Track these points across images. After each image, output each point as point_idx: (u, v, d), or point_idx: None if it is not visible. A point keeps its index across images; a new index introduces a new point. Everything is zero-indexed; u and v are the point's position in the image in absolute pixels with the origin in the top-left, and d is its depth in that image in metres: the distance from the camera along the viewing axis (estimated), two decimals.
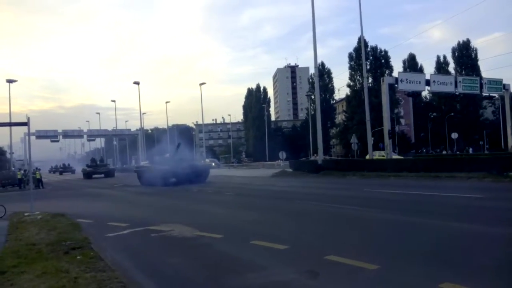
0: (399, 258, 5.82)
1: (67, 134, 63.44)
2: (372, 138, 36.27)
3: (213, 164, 55.40)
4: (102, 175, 46.91)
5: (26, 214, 13.09)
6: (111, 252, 7.13)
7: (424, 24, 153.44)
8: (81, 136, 69.18)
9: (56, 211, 13.62)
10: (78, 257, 6.61)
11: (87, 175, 47.22)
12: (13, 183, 35.76)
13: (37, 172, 34.33)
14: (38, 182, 33.19)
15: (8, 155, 62.23)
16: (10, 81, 46.00)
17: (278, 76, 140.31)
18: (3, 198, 20.07)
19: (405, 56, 69.37)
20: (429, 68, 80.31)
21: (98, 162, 51.70)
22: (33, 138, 53.72)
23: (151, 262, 6.56)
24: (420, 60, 69.27)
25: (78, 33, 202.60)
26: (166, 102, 75.89)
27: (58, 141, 65.27)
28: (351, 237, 7.66)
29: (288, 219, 10.41)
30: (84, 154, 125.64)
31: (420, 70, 62.56)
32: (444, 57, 66.26)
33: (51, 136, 60.18)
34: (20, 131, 56.87)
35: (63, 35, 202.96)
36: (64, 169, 78.76)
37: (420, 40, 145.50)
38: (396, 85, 31.27)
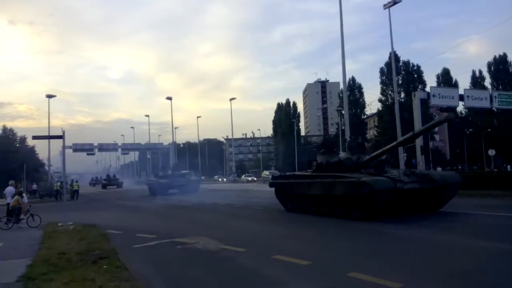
0: (423, 276, 5.66)
1: (102, 148, 65.49)
2: (405, 154, 35.53)
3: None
4: (176, 190, 30.81)
5: (59, 224, 13.62)
6: (137, 263, 7.31)
7: (459, 38, 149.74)
8: (115, 150, 71.31)
9: (88, 222, 14.11)
10: (105, 266, 6.82)
11: (160, 189, 30.69)
12: (50, 194, 37.27)
13: (75, 184, 35.61)
14: (74, 194, 34.33)
15: (46, 167, 64.69)
16: (49, 96, 48.83)
17: (308, 91, 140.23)
18: (40, 208, 20.84)
19: (439, 70, 67.78)
20: (464, 83, 77.82)
21: (171, 171, 33.67)
22: (70, 151, 56.10)
23: (174, 273, 6.68)
24: (454, 75, 67.38)
25: (116, 52, 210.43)
26: (198, 117, 76.57)
27: (94, 154, 67.39)
28: (374, 253, 7.50)
29: (312, 233, 10.34)
30: (119, 168, 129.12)
31: (455, 85, 60.78)
32: (480, 71, 64.17)
33: (87, 149, 62.34)
34: (58, 144, 59.11)
35: (103, 53, 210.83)
36: (109, 181, 65.02)
37: (455, 55, 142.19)
38: (428, 100, 30.68)
